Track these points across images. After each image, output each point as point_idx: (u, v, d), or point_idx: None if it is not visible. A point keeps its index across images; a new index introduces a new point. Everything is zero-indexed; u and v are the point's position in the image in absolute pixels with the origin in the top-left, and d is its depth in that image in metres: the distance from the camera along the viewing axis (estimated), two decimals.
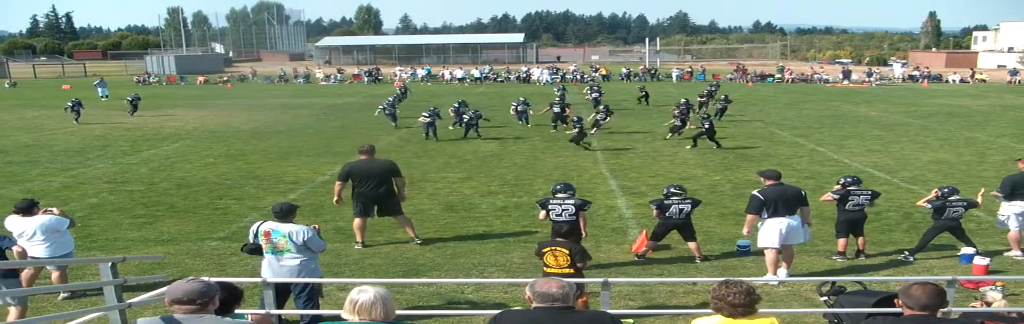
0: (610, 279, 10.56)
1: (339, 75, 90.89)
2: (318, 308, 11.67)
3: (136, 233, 18.74)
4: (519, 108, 41.41)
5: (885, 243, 17.41)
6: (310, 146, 33.27)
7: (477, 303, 13.24)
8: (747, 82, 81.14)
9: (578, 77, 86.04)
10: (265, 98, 62.40)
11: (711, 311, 7.12)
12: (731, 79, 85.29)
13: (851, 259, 16.19)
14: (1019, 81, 78.76)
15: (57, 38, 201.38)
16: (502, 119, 41.13)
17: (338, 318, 6.73)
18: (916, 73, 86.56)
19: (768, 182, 14.87)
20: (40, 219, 13.25)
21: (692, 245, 16.07)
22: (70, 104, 44.22)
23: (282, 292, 11.67)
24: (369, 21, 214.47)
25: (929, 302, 6.65)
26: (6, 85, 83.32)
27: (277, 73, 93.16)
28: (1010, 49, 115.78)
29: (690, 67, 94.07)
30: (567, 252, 11.84)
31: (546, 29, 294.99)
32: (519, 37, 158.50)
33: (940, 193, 16.05)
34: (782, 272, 14.71)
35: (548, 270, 11.86)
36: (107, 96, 62.51)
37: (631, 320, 12.02)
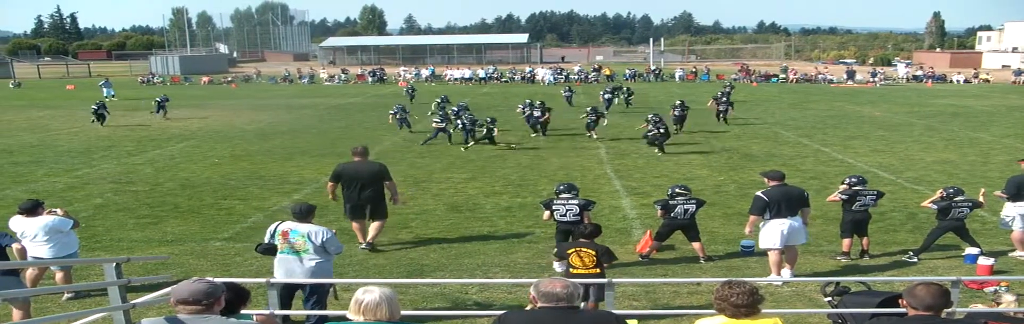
0: (614, 279, 10.58)
1: (343, 75, 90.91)
2: (325, 309, 11.67)
3: (140, 233, 18.75)
4: (526, 110, 41.41)
5: (889, 243, 17.39)
6: (314, 146, 33.29)
7: (481, 303, 13.23)
8: (751, 82, 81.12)
9: (583, 77, 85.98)
10: (269, 98, 62.43)
11: (714, 311, 7.12)
12: (735, 79, 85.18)
13: (855, 259, 16.17)
14: (1023, 81, 78.62)
15: (62, 38, 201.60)
16: (510, 121, 41.02)
17: (343, 318, 6.74)
18: (920, 73, 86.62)
19: (772, 183, 14.86)
20: (44, 220, 13.25)
21: (696, 245, 16.07)
22: (95, 107, 43.17)
23: (291, 293, 11.70)
24: (373, 21, 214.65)
25: (933, 302, 6.65)
26: (11, 85, 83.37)
27: (281, 73, 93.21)
28: (1014, 49, 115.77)
29: (694, 67, 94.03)
30: (593, 253, 11.92)
31: (550, 29, 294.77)
32: (523, 37, 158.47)
33: (945, 194, 16.03)
34: (786, 273, 14.71)
35: (574, 271, 11.93)
36: (113, 96, 62.54)
37: (635, 320, 12.02)
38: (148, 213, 20.95)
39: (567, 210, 14.84)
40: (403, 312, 6.99)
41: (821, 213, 19.41)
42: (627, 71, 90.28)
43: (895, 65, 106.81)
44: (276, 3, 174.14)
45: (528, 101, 38.55)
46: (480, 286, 14.14)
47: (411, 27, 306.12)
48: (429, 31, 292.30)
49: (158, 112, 46.52)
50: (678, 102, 38.46)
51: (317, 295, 11.66)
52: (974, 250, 15.84)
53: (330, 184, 17.21)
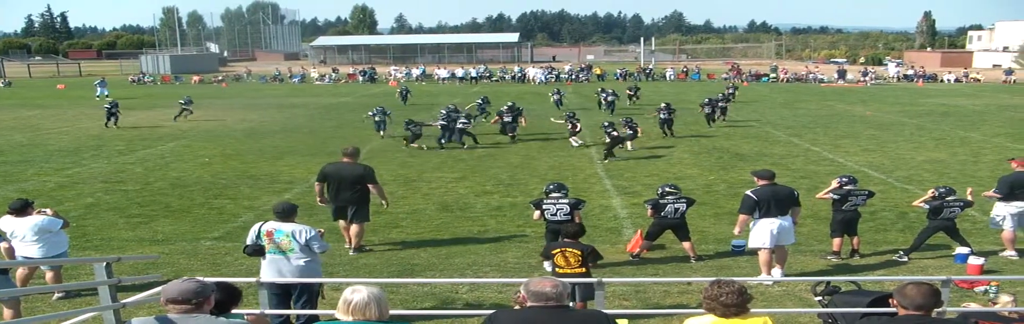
0: (605, 279, 10.54)
1: (334, 75, 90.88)
2: (315, 309, 11.65)
3: (131, 233, 18.73)
4: (556, 98, 41.66)
5: (880, 243, 17.41)
6: (305, 146, 33.26)
7: (472, 303, 13.23)
8: (742, 82, 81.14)
9: (574, 77, 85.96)
10: (260, 98, 62.36)
11: (704, 311, 7.13)
12: (726, 78, 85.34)
13: (846, 259, 16.19)
14: (1014, 81, 78.86)
15: (52, 38, 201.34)
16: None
17: (332, 318, 6.73)
18: (911, 73, 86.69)
19: (761, 182, 14.86)
20: (33, 220, 13.22)
21: (686, 245, 16.07)
22: (108, 106, 41.99)
23: (286, 292, 11.68)
24: (364, 21, 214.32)
25: (924, 302, 6.66)
26: (1, 84, 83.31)
27: (272, 73, 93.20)
28: (1005, 48, 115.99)
29: (685, 67, 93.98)
30: (579, 253, 11.89)
31: (541, 29, 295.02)
32: (514, 37, 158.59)
33: (937, 193, 16.04)
34: (776, 272, 14.71)
35: (559, 270, 11.90)
36: (106, 95, 62.39)
37: (626, 320, 12.02)
38: (138, 212, 20.93)
39: (557, 209, 14.83)
40: (393, 311, 6.99)
41: (811, 212, 19.43)
42: (618, 71, 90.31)
43: (886, 64, 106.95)
44: (267, 2, 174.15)
45: (509, 105, 37.46)
46: (470, 286, 14.13)
47: (402, 26, 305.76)
48: (420, 30, 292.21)
49: (184, 116, 45.05)
50: (664, 105, 38.43)
51: (307, 295, 11.63)
52: (964, 250, 15.85)
53: (317, 185, 17.14)
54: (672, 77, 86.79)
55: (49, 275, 13.79)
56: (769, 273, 14.61)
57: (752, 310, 7.15)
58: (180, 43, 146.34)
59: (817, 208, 19.52)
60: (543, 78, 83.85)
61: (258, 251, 11.78)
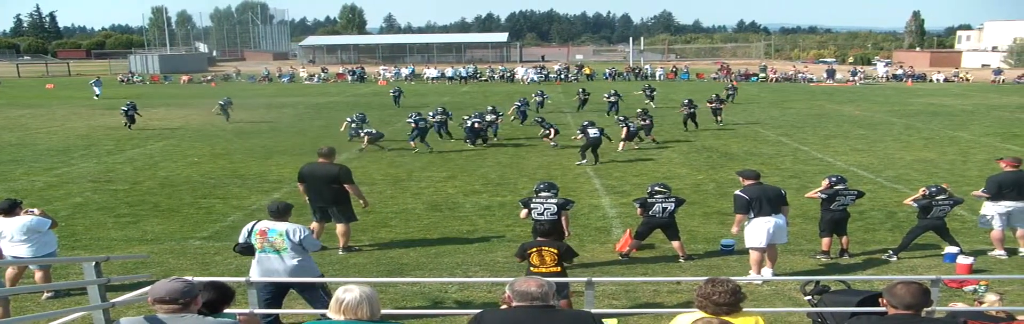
0: (594, 278, 10.54)
1: (323, 74, 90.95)
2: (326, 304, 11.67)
3: (120, 232, 18.70)
4: (522, 108, 41.43)
5: (869, 242, 17.44)
6: (294, 145, 33.21)
7: (461, 302, 13.22)
8: (731, 81, 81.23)
9: (563, 77, 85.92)
10: (249, 97, 62.12)
11: (695, 309, 7.14)
12: (715, 78, 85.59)
13: (835, 258, 16.21)
14: (1003, 80, 79.06)
15: (41, 37, 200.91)
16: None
17: (324, 317, 6.72)
18: (900, 72, 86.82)
19: (747, 182, 14.89)
20: (21, 220, 13.20)
21: (676, 244, 16.08)
22: (124, 108, 41.35)
23: (280, 292, 11.69)
24: (353, 20, 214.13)
25: (913, 301, 6.66)
26: None
27: (261, 72, 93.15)
28: (994, 48, 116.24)
29: (674, 66, 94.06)
30: (555, 251, 11.84)
31: (530, 28, 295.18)
32: (503, 36, 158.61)
33: (927, 192, 16.08)
34: (766, 271, 14.72)
35: (534, 270, 11.84)
36: (98, 95, 62.33)
37: (615, 319, 12.02)
38: (128, 212, 20.90)
39: (545, 209, 14.81)
40: (383, 311, 6.97)
41: (800, 212, 19.46)
42: (607, 70, 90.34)
43: (875, 64, 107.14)
44: (256, 2, 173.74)
45: (487, 108, 36.47)
46: (459, 285, 14.12)
47: (391, 26, 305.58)
48: (409, 30, 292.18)
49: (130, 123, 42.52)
50: (686, 100, 38.61)
51: (309, 292, 11.65)
52: (953, 249, 15.88)
53: (299, 185, 17.17)
54: (661, 77, 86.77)
55: (38, 275, 13.76)
56: (759, 272, 14.62)
57: (744, 309, 7.17)
58: (169, 43, 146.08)
59: (806, 208, 19.55)
60: (535, 78, 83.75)
61: (247, 250, 11.77)
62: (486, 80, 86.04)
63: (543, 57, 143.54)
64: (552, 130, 32.22)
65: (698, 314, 7.02)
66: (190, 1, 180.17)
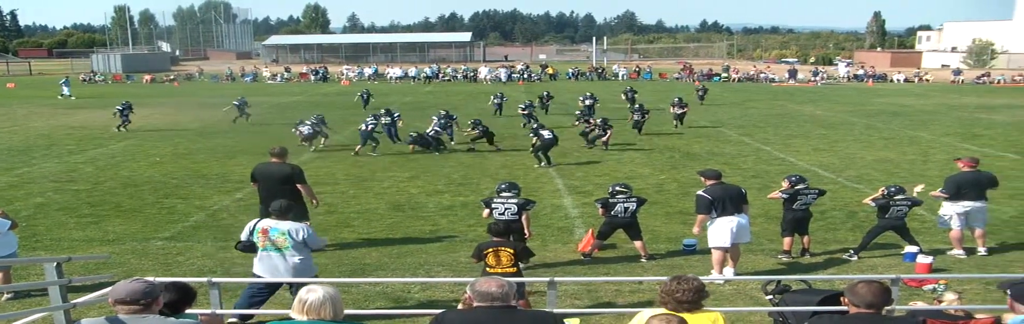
0: (556, 278, 10.58)
1: (286, 74, 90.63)
2: None
3: (82, 233, 18.62)
4: (497, 102, 41.49)
5: (830, 242, 17.54)
6: (257, 145, 32.93)
7: (424, 302, 13.22)
8: (694, 81, 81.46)
9: (527, 76, 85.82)
10: (212, 97, 61.79)
11: (657, 305, 7.20)
12: (678, 78, 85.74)
13: (796, 258, 16.30)
14: (962, 81, 79.56)
15: (2, 36, 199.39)
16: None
17: (287, 318, 6.72)
18: (861, 72, 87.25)
19: (709, 182, 14.94)
20: None
21: (638, 244, 16.12)
22: (119, 108, 40.20)
23: (274, 289, 11.78)
24: (317, 20, 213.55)
25: (875, 300, 6.70)
26: None
27: (224, 72, 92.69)
28: (953, 49, 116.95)
29: (637, 66, 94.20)
30: (511, 251, 11.87)
31: (494, 28, 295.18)
32: (466, 36, 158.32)
33: (886, 192, 16.19)
34: (728, 271, 14.78)
35: (490, 270, 11.86)
36: (67, 95, 61.89)
37: (577, 319, 12.05)
38: (89, 212, 20.80)
39: (505, 208, 14.83)
40: (346, 311, 6.98)
41: (762, 212, 19.55)
42: (570, 70, 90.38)
43: (836, 64, 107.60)
44: (219, 1, 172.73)
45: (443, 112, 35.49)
46: (422, 285, 14.12)
47: (354, 25, 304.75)
48: (372, 30, 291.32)
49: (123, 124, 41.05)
50: (677, 99, 38.86)
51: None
52: (913, 248, 15.99)
53: (253, 184, 17.12)
54: (624, 76, 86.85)
55: None
56: (721, 272, 14.67)
57: (705, 307, 7.23)
58: (131, 42, 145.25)
59: (768, 207, 19.64)
60: (504, 78, 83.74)
61: (248, 248, 11.98)
62: (449, 80, 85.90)
63: (506, 57, 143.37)
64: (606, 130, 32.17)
65: (660, 310, 7.07)
66: (153, 0, 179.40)
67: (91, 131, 38.84)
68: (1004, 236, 18.12)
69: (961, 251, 16.48)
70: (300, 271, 11.83)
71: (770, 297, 11.31)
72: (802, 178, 16.77)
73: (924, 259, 15.23)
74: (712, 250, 14.83)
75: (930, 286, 13.55)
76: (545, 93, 48.69)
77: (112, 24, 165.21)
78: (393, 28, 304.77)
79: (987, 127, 39.73)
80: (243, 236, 12.04)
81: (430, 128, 32.58)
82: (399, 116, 34.57)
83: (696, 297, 7.04)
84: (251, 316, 11.87)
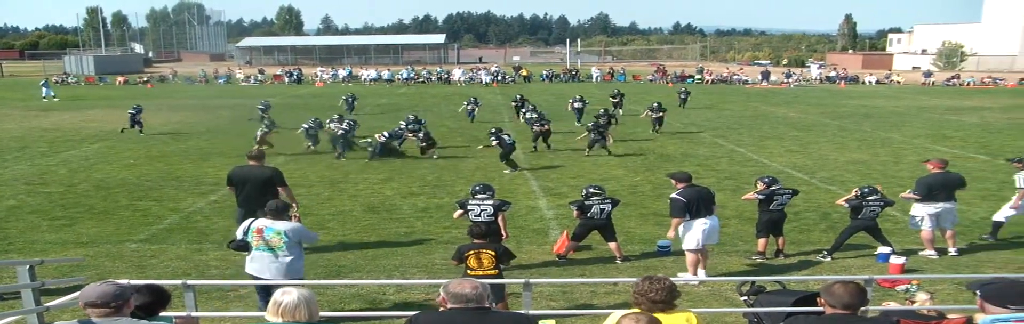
0: (531, 280, 10.60)
1: (260, 76, 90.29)
2: None
3: (55, 235, 18.54)
4: (470, 108, 41.21)
5: (804, 243, 17.62)
6: (230, 147, 32.93)
7: (399, 304, 13.21)
8: (667, 83, 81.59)
9: (500, 78, 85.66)
10: (185, 99, 61.67)
11: (632, 306, 7.23)
12: (651, 80, 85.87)
13: (770, 259, 16.37)
14: (933, 83, 79.94)
15: None
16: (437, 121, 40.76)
17: (262, 320, 6.73)
18: (833, 74, 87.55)
19: (680, 184, 14.97)
20: None
21: (613, 245, 16.16)
22: (132, 112, 38.81)
23: (269, 289, 11.84)
24: (290, 21, 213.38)
25: (852, 301, 6.74)
26: None
27: (198, 74, 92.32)
28: (924, 51, 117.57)
29: (611, 68, 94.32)
30: (492, 253, 11.91)
31: (468, 30, 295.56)
32: (440, 38, 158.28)
33: (859, 193, 16.29)
34: (700, 272, 14.83)
35: (471, 273, 11.87)
36: (49, 96, 61.50)
37: (553, 320, 12.08)
38: (62, 214, 20.71)
39: (482, 210, 14.87)
40: (321, 313, 6.99)
41: (737, 213, 19.64)
42: (544, 72, 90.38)
43: (809, 66, 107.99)
44: (192, 3, 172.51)
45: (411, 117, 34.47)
46: (397, 287, 14.12)
47: (328, 27, 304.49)
48: (346, 31, 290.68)
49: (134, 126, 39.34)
50: (655, 104, 38.53)
51: None
52: (886, 249, 16.10)
53: (229, 188, 16.97)
54: (598, 78, 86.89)
55: None
56: (696, 273, 14.72)
57: (678, 307, 7.27)
58: (104, 43, 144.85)
59: (742, 209, 19.72)
60: (487, 79, 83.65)
61: (242, 247, 12.08)
62: (423, 81, 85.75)
63: (480, 59, 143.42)
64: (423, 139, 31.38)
65: (633, 310, 7.11)
66: (126, 1, 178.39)
67: (64, 133, 38.66)
68: (974, 236, 18.26)
69: (933, 252, 16.60)
70: (290, 271, 11.95)
71: (745, 298, 11.36)
72: (775, 179, 16.86)
73: (897, 260, 15.33)
74: (686, 252, 14.88)
75: (903, 286, 13.63)
76: (518, 96, 46.59)
77: (85, 25, 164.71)
78: (367, 30, 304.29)
79: (957, 129, 39.96)
80: (238, 235, 12.17)
81: (392, 130, 32.23)
82: (354, 124, 33.25)
83: (669, 296, 7.08)
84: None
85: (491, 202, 14.97)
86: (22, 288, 9.60)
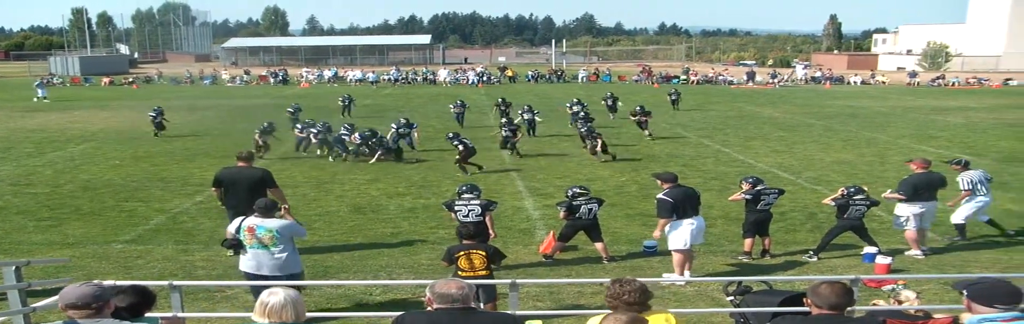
0: (518, 280, 10.60)
1: (246, 76, 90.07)
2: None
3: (41, 236, 18.51)
4: (457, 111, 40.90)
5: (789, 243, 17.66)
6: (216, 148, 32.93)
7: (386, 305, 13.21)
8: (653, 84, 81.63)
9: (486, 79, 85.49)
10: (171, 99, 61.41)
11: (608, 310, 7.23)
12: (637, 81, 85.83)
13: (757, 259, 16.40)
14: (918, 83, 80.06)
15: None
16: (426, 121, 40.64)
17: (248, 320, 6.72)
18: (819, 75, 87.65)
19: (666, 185, 14.98)
20: None
21: (599, 246, 16.17)
22: (152, 114, 38.16)
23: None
24: (276, 22, 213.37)
25: (838, 301, 6.75)
26: None
27: (183, 74, 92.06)
28: (909, 52, 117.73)
29: (596, 69, 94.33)
30: (483, 254, 11.92)
31: (453, 30, 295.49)
32: (426, 38, 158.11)
33: (846, 192, 16.34)
34: (686, 272, 14.85)
35: (463, 274, 11.87)
36: (42, 97, 61.25)
37: (540, 321, 12.08)
38: (49, 215, 20.68)
39: (469, 211, 14.88)
40: (308, 314, 6.98)
41: (723, 213, 19.67)
42: (529, 72, 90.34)
43: (794, 66, 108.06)
44: (177, 3, 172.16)
45: (459, 101, 34.14)
46: (384, 287, 14.14)
47: (314, 28, 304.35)
48: (332, 32, 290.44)
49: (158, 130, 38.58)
50: (638, 108, 37.96)
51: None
52: (872, 249, 16.15)
53: (214, 190, 16.93)
54: (584, 79, 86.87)
55: None
56: (683, 273, 14.74)
57: (654, 307, 7.28)
58: (90, 44, 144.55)
59: (728, 209, 19.75)
60: (475, 80, 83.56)
61: (235, 245, 12.31)
62: (409, 82, 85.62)
63: (466, 59, 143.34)
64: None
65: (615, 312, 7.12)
66: (111, 2, 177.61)
67: (49, 134, 38.54)
68: (964, 236, 18.28)
69: (919, 251, 16.67)
70: (286, 266, 12.27)
71: (731, 298, 11.37)
72: (759, 179, 16.90)
73: (883, 260, 15.37)
74: (673, 252, 14.89)
75: (889, 286, 13.64)
76: (501, 100, 44.46)
77: (70, 26, 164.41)
78: (352, 31, 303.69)
79: (942, 129, 40.07)
80: (229, 233, 12.38)
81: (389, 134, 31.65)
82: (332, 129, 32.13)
83: (643, 298, 7.09)
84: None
85: (478, 202, 15.00)
86: (8, 289, 9.58)
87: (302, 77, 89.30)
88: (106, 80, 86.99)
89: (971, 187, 17.82)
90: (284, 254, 12.24)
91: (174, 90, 77.06)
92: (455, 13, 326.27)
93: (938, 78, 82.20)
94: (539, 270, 15.63)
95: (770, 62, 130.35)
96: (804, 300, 7.16)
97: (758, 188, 16.48)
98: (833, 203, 16.42)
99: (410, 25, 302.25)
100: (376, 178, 26.00)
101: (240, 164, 16.52)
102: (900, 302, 10.96)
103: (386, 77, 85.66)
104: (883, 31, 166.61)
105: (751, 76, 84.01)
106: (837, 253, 16.72)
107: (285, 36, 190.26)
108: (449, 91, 67.77)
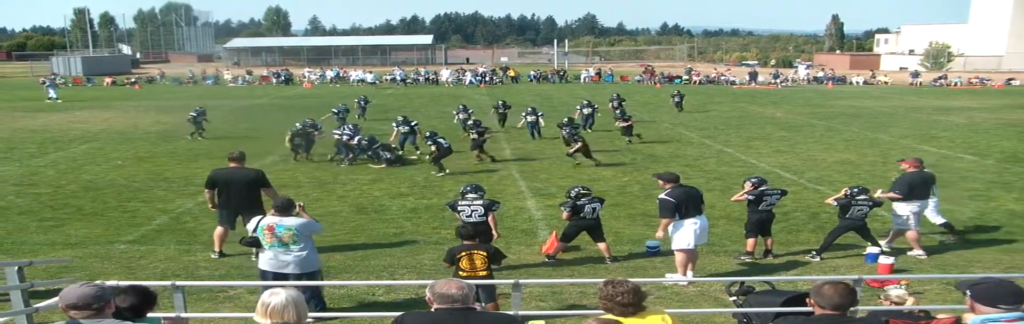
0: (521, 280, 10.60)
1: (248, 77, 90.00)
2: (323, 301, 12.75)
3: (43, 236, 18.52)
4: (460, 115, 40.23)
5: (792, 243, 17.64)
6: (219, 148, 32.78)
7: (388, 305, 13.20)
8: (655, 84, 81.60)
9: (487, 79, 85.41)
10: (173, 100, 61.48)
11: (602, 312, 7.24)
12: (639, 81, 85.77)
13: (759, 259, 16.38)
14: (920, 83, 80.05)
15: None
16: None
17: (251, 321, 6.71)
18: (821, 75, 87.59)
19: (668, 185, 14.96)
20: None
21: (602, 246, 16.16)
22: (193, 114, 37.64)
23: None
24: (278, 22, 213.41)
25: (841, 301, 6.73)
26: None
27: (185, 74, 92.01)
28: (911, 52, 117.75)
29: (598, 69, 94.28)
30: (484, 254, 11.93)
31: (455, 31, 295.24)
32: (428, 39, 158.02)
33: (849, 192, 16.33)
34: (689, 272, 14.84)
35: (464, 274, 11.86)
36: (55, 98, 61.08)
37: (542, 321, 12.07)
38: (51, 216, 20.69)
39: (472, 211, 14.89)
40: (309, 314, 6.99)
41: (725, 214, 19.65)
42: (532, 72, 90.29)
43: (796, 67, 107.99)
44: (180, 4, 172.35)
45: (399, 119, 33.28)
46: (386, 288, 14.14)
47: (316, 28, 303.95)
48: (334, 32, 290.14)
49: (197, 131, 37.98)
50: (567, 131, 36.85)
51: (310, 290, 12.04)
52: (875, 249, 16.14)
53: (207, 191, 16.77)
54: (586, 79, 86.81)
55: None
56: (686, 274, 14.73)
57: (648, 308, 7.28)
58: (92, 45, 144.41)
59: (730, 209, 19.74)
60: (475, 80, 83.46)
61: (253, 243, 12.50)
62: (411, 82, 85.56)
63: (468, 59, 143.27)
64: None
65: (605, 316, 7.12)
66: (113, 2, 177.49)
67: (52, 134, 38.52)
68: (963, 235, 18.28)
69: (921, 251, 16.66)
70: (307, 263, 12.42)
71: (734, 298, 11.36)
72: (763, 180, 16.88)
73: (886, 260, 15.35)
74: (677, 252, 14.87)
75: (891, 287, 13.65)
76: (501, 103, 42.96)
77: (72, 26, 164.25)
78: (354, 31, 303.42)
79: (944, 129, 40.04)
80: (249, 230, 12.56)
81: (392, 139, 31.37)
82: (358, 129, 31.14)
83: (636, 299, 7.08)
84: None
85: (481, 202, 15.01)
86: (11, 289, 9.59)
87: (305, 77, 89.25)
88: (108, 80, 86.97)
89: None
90: (304, 252, 12.36)
91: (176, 90, 77.00)
92: (457, 13, 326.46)
93: (940, 78, 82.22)
94: (542, 270, 15.63)
95: (772, 62, 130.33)
96: (807, 300, 7.15)
97: (760, 189, 16.47)
98: (836, 203, 16.41)
99: (412, 25, 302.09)
100: (379, 178, 26.00)
101: (232, 165, 16.51)
102: (894, 302, 10.95)
103: (388, 77, 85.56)
104: (885, 31, 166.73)
105: (753, 76, 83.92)
106: (840, 253, 16.71)
107: (287, 36, 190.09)
108: (451, 91, 67.74)
